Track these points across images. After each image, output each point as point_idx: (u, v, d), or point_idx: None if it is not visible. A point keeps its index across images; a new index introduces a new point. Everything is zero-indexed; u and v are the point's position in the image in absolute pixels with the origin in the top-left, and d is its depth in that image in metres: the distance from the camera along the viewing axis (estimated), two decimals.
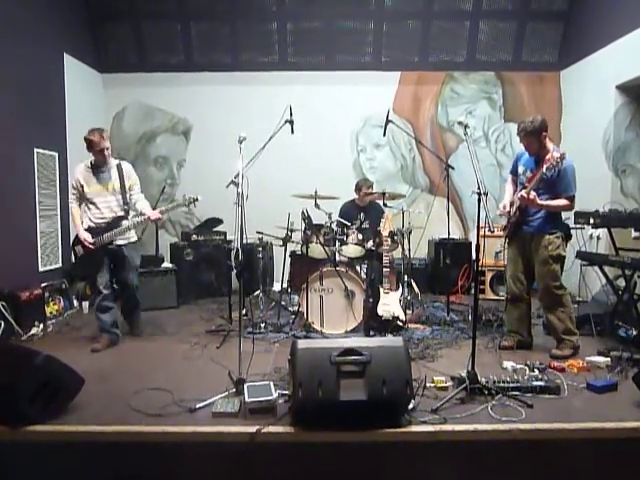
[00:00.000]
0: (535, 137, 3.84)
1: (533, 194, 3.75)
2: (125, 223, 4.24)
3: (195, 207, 4.42)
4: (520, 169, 4.08)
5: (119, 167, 4.29)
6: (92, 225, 4.23)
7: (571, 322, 3.94)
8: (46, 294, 5.00)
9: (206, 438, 2.68)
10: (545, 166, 3.63)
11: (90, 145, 4.13)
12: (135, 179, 4.38)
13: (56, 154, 5.68)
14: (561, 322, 3.92)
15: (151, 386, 3.26)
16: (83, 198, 4.26)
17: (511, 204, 4.06)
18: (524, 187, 3.90)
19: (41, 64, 5.51)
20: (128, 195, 4.28)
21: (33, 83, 5.31)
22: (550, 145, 3.92)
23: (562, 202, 3.82)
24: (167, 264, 6.00)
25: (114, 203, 4.25)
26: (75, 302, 5.50)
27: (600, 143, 5.88)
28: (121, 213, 4.25)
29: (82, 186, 4.22)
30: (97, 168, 4.23)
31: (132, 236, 4.36)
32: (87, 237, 4.16)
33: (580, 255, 4.66)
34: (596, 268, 4.54)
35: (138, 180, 4.42)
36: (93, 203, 4.23)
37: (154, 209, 4.40)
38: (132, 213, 4.33)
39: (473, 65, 6.84)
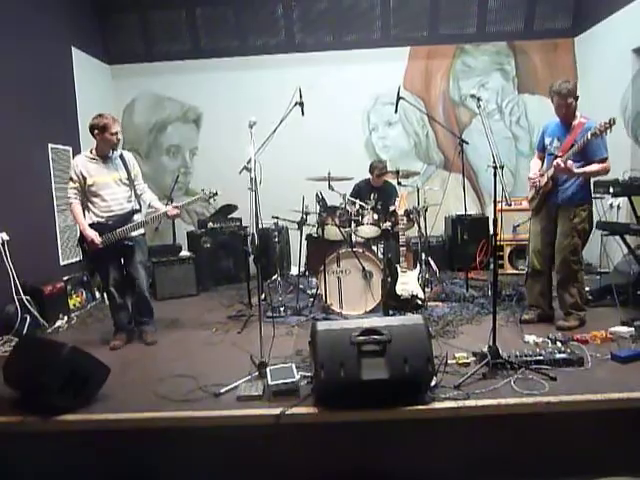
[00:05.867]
0: (572, 98, 3.75)
1: (570, 162, 3.61)
2: (138, 218, 4.00)
3: (215, 201, 4.20)
4: (547, 140, 3.98)
5: (122, 157, 4.01)
6: (99, 220, 3.89)
7: (581, 298, 3.92)
8: (68, 287, 5.07)
9: (232, 422, 2.73)
10: (590, 132, 3.49)
11: (105, 128, 3.81)
12: (138, 169, 4.14)
13: (70, 148, 5.73)
14: (572, 297, 3.89)
15: (175, 373, 3.31)
16: (85, 192, 3.91)
17: (540, 176, 3.96)
18: (556, 157, 3.78)
19: (50, 59, 5.53)
20: (135, 186, 4.04)
21: (43, 79, 5.33)
22: (577, 111, 3.84)
23: (596, 167, 3.69)
24: (185, 252, 6.04)
25: (122, 195, 3.95)
26: (97, 294, 5.58)
27: (618, 110, 5.73)
28: (130, 206, 3.99)
29: (85, 178, 3.86)
30: (102, 158, 3.92)
31: (140, 229, 4.07)
32: (94, 236, 3.81)
33: (600, 225, 4.58)
34: (617, 238, 4.46)
35: (140, 170, 4.17)
36: (98, 195, 3.89)
37: (170, 200, 4.26)
38: (143, 207, 4.10)
39: (484, 36, 6.68)
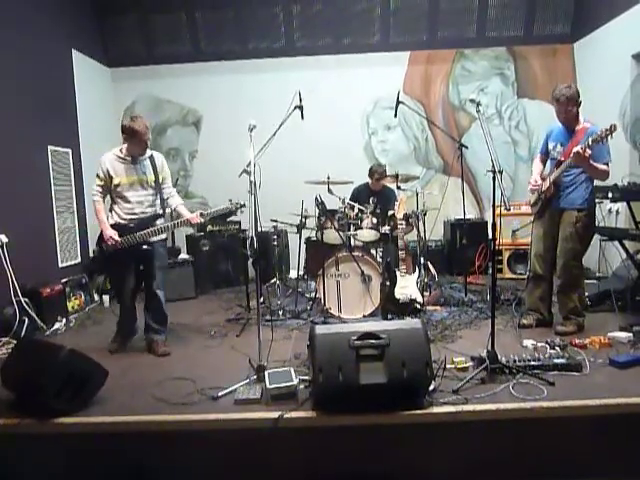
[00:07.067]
0: (574, 103, 3.73)
1: (589, 152, 3.51)
2: (160, 222, 3.87)
3: (242, 213, 3.92)
4: (550, 145, 3.97)
5: (151, 158, 3.88)
6: (121, 222, 3.81)
7: (581, 304, 3.92)
8: (67, 289, 5.07)
9: (230, 425, 2.72)
10: (591, 139, 3.45)
11: (134, 135, 3.68)
12: (167, 172, 4.00)
13: (70, 151, 5.73)
14: (572, 301, 3.89)
15: (173, 376, 3.31)
16: (109, 191, 3.84)
17: (542, 179, 3.96)
18: (558, 162, 3.79)
19: (50, 61, 5.54)
20: (162, 190, 3.93)
21: (43, 81, 5.34)
22: (581, 116, 3.83)
23: (602, 166, 3.66)
24: (184, 255, 6.05)
25: (147, 198, 3.85)
26: (96, 296, 5.58)
27: (617, 115, 5.75)
28: (154, 210, 3.89)
29: (111, 178, 3.77)
30: (130, 159, 3.80)
31: (162, 234, 3.93)
32: (114, 235, 3.73)
33: (599, 230, 4.58)
34: (616, 243, 4.47)
35: (169, 173, 4.04)
36: (123, 197, 3.80)
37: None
38: (168, 210, 4.00)
39: (484, 41, 6.71)
